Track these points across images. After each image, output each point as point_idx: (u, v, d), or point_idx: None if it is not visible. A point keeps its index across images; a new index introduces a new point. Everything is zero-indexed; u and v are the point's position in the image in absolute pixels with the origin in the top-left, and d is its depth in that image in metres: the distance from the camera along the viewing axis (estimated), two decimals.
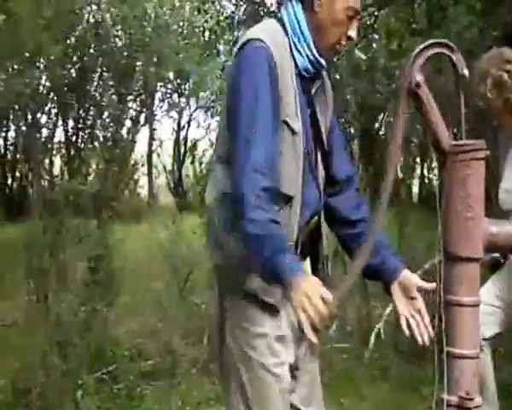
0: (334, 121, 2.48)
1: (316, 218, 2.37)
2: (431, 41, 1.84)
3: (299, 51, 2.27)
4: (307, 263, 2.43)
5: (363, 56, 8.88)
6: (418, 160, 13.79)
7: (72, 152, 14.11)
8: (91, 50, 14.20)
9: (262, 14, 9.24)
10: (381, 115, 14.47)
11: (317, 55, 2.27)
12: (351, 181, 2.51)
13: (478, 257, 1.82)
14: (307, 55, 2.27)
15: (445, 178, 1.84)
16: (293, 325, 2.26)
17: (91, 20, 14.17)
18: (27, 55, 11.41)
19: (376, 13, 8.85)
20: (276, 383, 2.26)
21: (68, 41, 13.23)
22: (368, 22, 9.20)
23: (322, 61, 2.30)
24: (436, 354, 1.82)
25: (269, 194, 2.10)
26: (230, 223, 2.20)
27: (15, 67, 11.46)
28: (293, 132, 2.22)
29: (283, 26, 2.29)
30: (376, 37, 10.20)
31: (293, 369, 2.35)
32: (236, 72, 2.21)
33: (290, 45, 2.27)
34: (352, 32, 2.26)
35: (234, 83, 2.22)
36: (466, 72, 1.83)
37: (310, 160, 2.31)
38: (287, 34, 2.28)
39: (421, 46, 1.84)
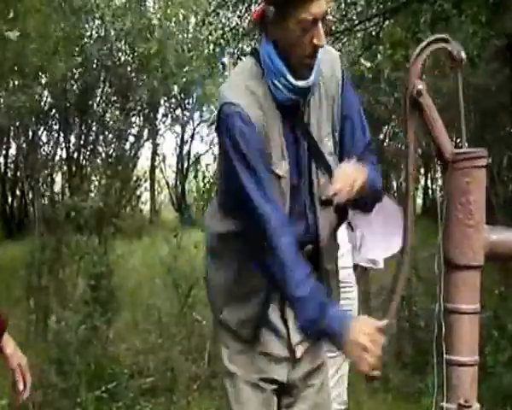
0: (346, 105, 2.35)
1: (308, 247, 2.32)
2: (423, 43, 1.84)
3: (276, 86, 2.23)
4: None
5: (368, 64, 8.86)
6: (422, 171, 13.72)
7: (74, 169, 14.08)
8: (94, 65, 14.17)
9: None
10: (386, 127, 14.50)
11: (294, 83, 2.21)
12: (365, 151, 2.38)
13: (478, 265, 1.82)
14: (285, 86, 2.23)
15: (447, 186, 1.84)
16: (288, 345, 2.37)
17: (94, 35, 14.17)
18: (28, 70, 11.36)
19: (381, 23, 8.82)
20: (257, 395, 2.36)
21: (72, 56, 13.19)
22: (373, 33, 9.18)
23: (301, 83, 2.22)
24: (435, 362, 1.80)
25: (294, 246, 2.19)
26: (212, 259, 2.44)
27: (17, 83, 11.41)
28: (279, 177, 2.26)
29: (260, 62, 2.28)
30: (381, 47, 10.16)
31: (291, 385, 2.41)
32: (220, 135, 2.27)
33: (268, 84, 2.25)
34: (316, 40, 2.16)
35: (221, 147, 2.30)
36: (463, 54, 1.81)
37: (300, 191, 2.30)
38: (264, 72, 2.26)
39: (416, 51, 1.85)
